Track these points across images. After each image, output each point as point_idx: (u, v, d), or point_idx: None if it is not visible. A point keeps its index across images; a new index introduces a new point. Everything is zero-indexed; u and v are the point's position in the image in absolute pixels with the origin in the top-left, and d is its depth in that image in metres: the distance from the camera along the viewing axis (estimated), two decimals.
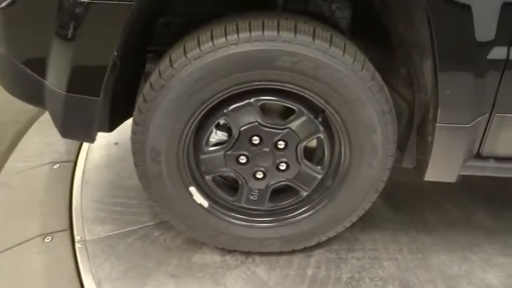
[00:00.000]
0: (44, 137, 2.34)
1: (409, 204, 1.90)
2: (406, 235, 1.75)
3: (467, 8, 1.15)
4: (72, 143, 2.26)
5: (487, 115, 1.32)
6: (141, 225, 1.78)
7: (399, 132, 1.46)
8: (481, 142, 1.40)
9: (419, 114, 1.43)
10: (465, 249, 1.69)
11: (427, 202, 1.93)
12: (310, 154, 1.47)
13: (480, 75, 1.23)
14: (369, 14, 1.53)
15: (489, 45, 1.19)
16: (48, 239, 1.70)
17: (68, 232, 1.74)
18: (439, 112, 1.29)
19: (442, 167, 1.43)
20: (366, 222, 1.73)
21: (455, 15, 1.17)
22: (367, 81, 1.28)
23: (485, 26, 1.17)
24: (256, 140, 1.38)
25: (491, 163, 1.45)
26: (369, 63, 1.30)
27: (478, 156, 1.45)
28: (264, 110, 1.36)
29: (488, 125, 1.35)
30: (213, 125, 1.38)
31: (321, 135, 1.39)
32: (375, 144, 1.36)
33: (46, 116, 2.47)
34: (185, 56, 1.27)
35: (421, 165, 1.46)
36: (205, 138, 1.40)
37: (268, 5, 1.50)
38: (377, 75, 1.31)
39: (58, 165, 2.13)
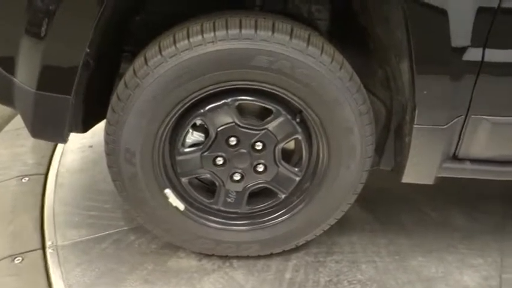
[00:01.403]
0: (10, 148, 2.18)
1: (386, 207, 1.90)
2: (384, 237, 1.75)
3: (443, 11, 1.15)
4: (42, 154, 2.11)
5: (463, 117, 1.33)
6: (116, 230, 1.73)
7: (377, 134, 1.47)
8: (457, 144, 1.40)
9: (396, 116, 1.44)
10: (442, 250, 1.69)
11: (405, 204, 1.93)
12: (288, 156, 1.46)
13: (456, 77, 1.23)
14: (348, 15, 1.53)
15: (464, 47, 1.20)
16: (18, 260, 1.57)
17: (40, 252, 1.62)
18: (416, 114, 1.29)
19: (419, 169, 1.43)
20: (344, 225, 1.72)
21: (432, 18, 1.17)
22: (345, 81, 1.27)
23: (460, 29, 1.17)
24: (233, 141, 1.36)
25: (468, 165, 1.45)
26: (347, 64, 1.30)
27: (455, 158, 1.45)
28: (242, 110, 1.35)
29: (464, 127, 1.35)
30: (189, 126, 1.35)
31: (299, 137, 1.38)
32: (353, 146, 1.35)
33: (12, 125, 2.38)
34: (160, 54, 1.25)
35: (399, 167, 1.46)
36: (182, 139, 1.37)
37: (246, 5, 1.49)
38: (355, 75, 1.31)
39: (27, 178, 1.96)
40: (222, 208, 1.47)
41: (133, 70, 1.28)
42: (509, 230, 1.83)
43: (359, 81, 1.32)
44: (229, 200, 1.45)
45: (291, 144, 1.46)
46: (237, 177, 1.42)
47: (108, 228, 1.73)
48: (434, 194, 1.96)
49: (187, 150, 1.39)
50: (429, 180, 1.47)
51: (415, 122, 1.31)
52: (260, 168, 1.40)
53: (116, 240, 1.68)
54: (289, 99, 1.29)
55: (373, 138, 1.38)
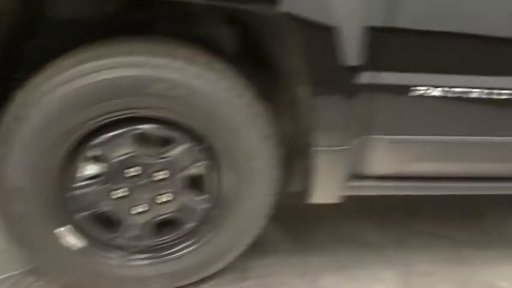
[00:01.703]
0: None
1: (298, 225, 1.92)
2: (299, 257, 1.75)
3: (334, 32, 1.17)
4: None
5: (363, 137, 1.37)
6: (11, 273, 1.57)
7: (283, 157, 1.47)
8: (360, 163, 1.44)
9: (302, 138, 1.45)
10: (353, 266, 1.72)
11: (316, 221, 1.96)
12: (194, 183, 1.41)
13: (352, 99, 1.27)
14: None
15: (358, 68, 1.23)
16: None
17: None
18: (317, 136, 1.31)
19: (326, 190, 1.45)
20: (259, 247, 1.70)
21: (324, 39, 1.19)
22: (246, 107, 1.26)
23: (352, 50, 1.20)
24: (133, 171, 1.29)
25: (372, 182, 1.50)
26: (248, 89, 1.29)
27: (360, 176, 1.49)
28: (142, 138, 1.28)
29: (365, 147, 1.39)
30: (84, 158, 1.26)
31: (204, 163, 1.34)
32: (258, 170, 1.34)
33: None
34: (49, 82, 1.16)
35: (307, 189, 1.47)
36: (76, 172, 1.28)
37: (144, 29, 1.43)
38: (257, 100, 1.30)
39: None
40: (126, 243, 1.38)
41: (20, 99, 1.17)
42: (414, 240, 1.92)
43: (261, 106, 1.31)
44: (132, 234, 1.37)
45: (198, 171, 1.41)
46: (140, 209, 1.34)
47: (2, 272, 1.56)
48: (346, 209, 2.02)
49: (83, 183, 1.29)
50: (335, 200, 1.50)
51: (317, 145, 1.33)
52: (164, 198, 1.34)
53: (12, 285, 1.52)
54: (189, 126, 1.25)
55: (278, 161, 1.38)
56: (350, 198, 1.54)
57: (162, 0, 1.30)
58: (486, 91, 1.34)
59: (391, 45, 1.24)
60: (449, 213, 2.16)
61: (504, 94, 1.35)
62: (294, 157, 1.51)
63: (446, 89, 1.32)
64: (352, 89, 1.25)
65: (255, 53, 1.49)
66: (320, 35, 1.17)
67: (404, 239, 1.93)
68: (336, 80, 1.24)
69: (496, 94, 1.35)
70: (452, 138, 1.41)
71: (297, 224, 1.93)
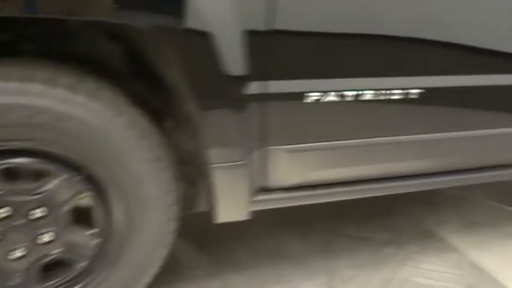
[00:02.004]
0: None
1: (216, 246, 1.82)
2: (218, 280, 1.65)
3: (211, 39, 1.08)
4: None
5: (261, 149, 1.29)
6: None
7: (188, 176, 1.37)
8: (263, 176, 1.37)
9: (200, 156, 1.35)
10: (275, 282, 1.65)
11: (235, 239, 1.87)
12: (82, 217, 1.27)
13: (243, 111, 1.19)
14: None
15: (245, 78, 1.15)
16: None
17: None
18: (212, 153, 1.22)
19: (230, 207, 1.36)
20: (175, 275, 1.58)
21: (201, 48, 1.09)
22: (126, 128, 1.14)
23: (235, 58, 1.12)
24: (4, 212, 1.13)
25: (280, 194, 1.43)
26: (129, 109, 1.17)
27: (265, 189, 1.42)
28: (10, 174, 1.13)
29: (266, 159, 1.32)
30: None
31: (89, 195, 1.20)
32: (150, 197, 1.22)
33: None
34: None
35: (212, 208, 1.38)
36: None
37: (18, 49, 1.28)
38: (140, 120, 1.19)
39: None
40: None
41: None
42: (336, 247, 1.88)
43: (147, 126, 1.20)
44: (15, 282, 1.20)
45: (85, 203, 1.27)
46: (18, 253, 1.18)
47: None
48: (265, 222, 1.95)
49: None
50: (243, 216, 1.42)
51: (212, 162, 1.24)
52: (46, 238, 1.19)
53: None
54: (62, 156, 1.12)
55: (173, 184, 1.27)
56: (268, 211, 1.47)
57: (26, 18, 1.16)
58: (380, 92, 1.32)
59: (277, 51, 1.17)
60: (369, 214, 2.16)
61: (396, 94, 1.34)
62: (197, 176, 1.41)
63: (340, 93, 1.28)
64: (241, 101, 1.17)
65: (142, 70, 1.38)
66: (196, 44, 1.08)
67: (327, 246, 1.89)
68: (222, 92, 1.15)
69: (389, 95, 1.33)
70: (351, 142, 1.38)
71: (215, 244, 1.83)
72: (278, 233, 1.94)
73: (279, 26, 1.14)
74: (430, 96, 1.39)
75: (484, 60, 1.44)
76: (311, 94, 1.24)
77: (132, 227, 1.24)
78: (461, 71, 1.43)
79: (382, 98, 1.33)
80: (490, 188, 2.50)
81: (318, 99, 1.26)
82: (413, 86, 1.36)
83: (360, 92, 1.30)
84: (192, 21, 1.05)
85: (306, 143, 1.33)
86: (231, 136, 1.21)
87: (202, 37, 1.06)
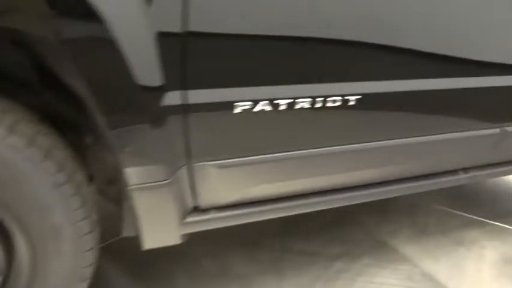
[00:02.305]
0: None
1: (155, 269, 1.67)
2: None
3: (115, 44, 0.92)
4: None
5: (185, 167, 1.16)
6: None
7: (115, 197, 1.22)
8: (193, 195, 1.24)
9: (119, 178, 1.20)
10: None
11: (177, 261, 1.73)
12: None
13: (161, 125, 1.05)
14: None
15: (160, 88, 1.02)
16: None
17: None
18: (128, 173, 1.08)
19: (158, 232, 1.22)
20: None
21: (104, 55, 0.94)
22: (20, 149, 0.98)
23: (147, 65, 0.97)
24: None
25: (214, 214, 1.30)
26: (28, 125, 1.01)
27: (197, 210, 1.29)
28: None
29: (192, 177, 1.19)
30: None
31: None
32: (57, 226, 1.06)
33: None
34: None
35: (138, 234, 1.23)
36: None
37: None
38: (44, 137, 1.03)
39: None
40: None
41: None
42: (284, 265, 1.76)
43: (53, 144, 1.04)
44: None
45: None
46: None
47: None
48: (210, 240, 1.81)
49: None
50: (175, 240, 1.28)
51: (130, 183, 1.09)
52: None
53: None
54: None
55: (86, 211, 1.11)
56: (211, 230, 1.33)
57: None
58: (316, 99, 1.21)
59: (197, 56, 1.04)
60: (318, 226, 2.06)
61: (337, 101, 1.24)
62: (121, 198, 1.26)
63: (273, 101, 1.16)
64: (158, 114, 1.03)
65: (51, 81, 1.22)
66: (98, 51, 0.94)
67: (275, 264, 1.77)
68: (134, 104, 1.00)
69: (327, 102, 1.23)
70: (289, 154, 1.26)
71: (151, 269, 1.68)
72: (223, 253, 1.81)
73: (195, 27, 1.01)
74: (370, 103, 1.30)
75: (425, 64, 1.37)
76: (239, 104, 1.12)
77: (39, 262, 1.07)
78: (402, 75, 1.35)
79: (319, 105, 1.23)
80: (441, 193, 2.48)
81: (247, 109, 1.14)
82: (353, 92, 1.27)
83: (295, 100, 1.19)
84: (90, 25, 0.90)
85: (238, 158, 1.21)
86: (150, 153, 1.07)
87: (104, 43, 0.92)
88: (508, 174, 1.92)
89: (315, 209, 1.46)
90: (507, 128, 1.67)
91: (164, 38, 0.98)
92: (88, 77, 0.95)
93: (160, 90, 1.02)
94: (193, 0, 0.97)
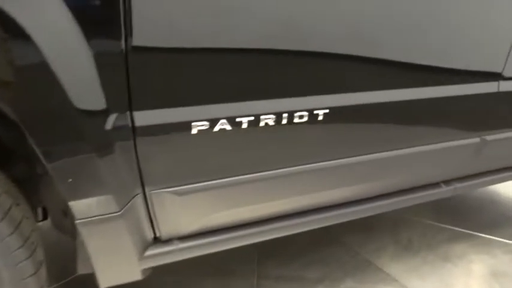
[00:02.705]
0: None
1: None
2: None
3: (44, 67, 0.81)
4: None
5: (139, 195, 1.06)
6: None
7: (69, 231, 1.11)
8: (151, 225, 1.14)
9: (67, 211, 1.10)
10: None
11: None
12: None
13: (104, 153, 0.94)
14: None
15: (99, 112, 0.91)
16: None
17: None
18: (72, 207, 0.97)
19: (114, 268, 1.11)
20: None
21: (34, 79, 0.83)
22: None
23: (84, 88, 0.87)
24: None
25: (178, 244, 1.20)
26: None
27: (158, 241, 1.18)
28: None
29: (149, 206, 1.09)
30: None
31: None
32: None
33: None
34: None
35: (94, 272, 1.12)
36: None
37: None
38: None
39: None
40: None
41: None
42: None
43: None
44: None
45: None
46: None
47: None
48: (182, 270, 1.70)
49: None
50: (136, 276, 1.17)
51: (76, 217, 0.98)
52: None
53: None
54: None
55: (29, 250, 1.00)
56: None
57: None
58: (281, 116, 1.12)
59: (143, 73, 0.93)
60: (299, 247, 1.95)
61: (304, 116, 1.15)
62: (74, 233, 1.15)
63: (234, 119, 1.07)
64: (101, 139, 0.93)
65: None
66: (24, 70, 0.83)
67: None
68: (72, 130, 0.89)
69: (293, 118, 1.14)
70: (255, 176, 1.17)
71: None
72: (196, 282, 1.69)
73: (138, 42, 0.91)
74: (340, 116, 1.22)
75: (397, 74, 1.30)
76: (196, 124, 1.03)
77: None
78: (374, 86, 1.27)
79: (284, 122, 1.14)
80: (425, 206, 2.40)
81: (205, 130, 1.04)
82: (320, 106, 1.18)
83: (258, 117, 1.10)
84: (17, 47, 0.80)
85: (198, 183, 1.10)
86: (95, 184, 0.96)
87: (33, 64, 0.82)
88: (492, 184, 1.85)
89: (290, 233, 1.37)
90: (486, 137, 1.60)
91: (103, 56, 0.88)
92: (15, 103, 0.85)
93: (102, 113, 0.91)
94: (135, 13, 0.88)
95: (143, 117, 0.96)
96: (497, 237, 2.14)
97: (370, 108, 1.26)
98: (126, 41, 0.89)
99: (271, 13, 1.04)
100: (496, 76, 1.49)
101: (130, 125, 0.96)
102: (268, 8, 1.03)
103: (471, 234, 2.16)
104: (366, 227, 2.15)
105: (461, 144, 1.54)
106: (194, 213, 1.16)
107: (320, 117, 1.18)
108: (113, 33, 0.88)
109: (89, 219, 0.99)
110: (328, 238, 2.04)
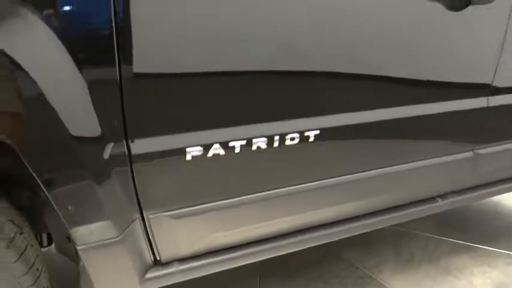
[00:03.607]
0: None
1: None
2: None
3: (39, 95, 0.85)
4: None
5: (138, 220, 1.10)
6: None
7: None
8: (151, 249, 1.17)
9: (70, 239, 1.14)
10: None
11: None
12: None
13: (102, 179, 0.99)
14: None
15: (96, 140, 0.96)
16: None
17: None
18: (72, 233, 1.01)
19: None
20: None
21: (29, 108, 0.87)
22: None
23: (79, 113, 0.91)
24: None
25: (178, 266, 1.23)
26: None
27: (158, 264, 1.22)
28: None
29: (148, 230, 1.13)
30: None
31: None
32: None
33: None
34: None
35: None
36: None
37: None
38: None
39: None
40: None
41: None
42: None
43: None
44: None
45: None
46: None
47: None
48: None
49: None
50: None
51: (77, 244, 1.03)
52: None
53: None
54: None
55: (35, 283, 1.04)
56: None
57: None
58: (273, 138, 1.16)
59: (138, 102, 0.98)
60: (300, 262, 1.97)
61: (295, 138, 1.19)
62: (75, 259, 1.19)
63: (227, 144, 1.11)
64: (98, 167, 0.97)
65: None
66: (20, 105, 0.87)
67: None
68: (69, 159, 0.94)
69: (285, 140, 1.18)
70: (251, 197, 1.20)
71: None
72: None
73: (132, 71, 0.94)
74: (331, 137, 1.26)
75: (385, 93, 1.34)
76: (190, 150, 1.07)
77: None
78: (363, 106, 1.31)
79: (277, 145, 1.18)
80: (426, 218, 2.40)
81: (200, 155, 1.08)
82: (311, 127, 1.22)
83: (250, 141, 1.14)
84: (10, 76, 0.85)
85: (195, 206, 1.14)
86: (94, 210, 1.00)
87: (29, 93, 0.86)
88: (488, 197, 1.87)
89: (289, 251, 1.39)
90: (479, 151, 1.63)
91: (98, 84, 0.92)
92: (15, 133, 0.90)
93: (98, 142, 0.96)
94: (127, 44, 0.93)
95: (139, 146, 1.01)
96: (500, 248, 2.15)
97: (363, 128, 1.30)
98: (119, 71, 0.93)
99: (260, 39, 1.09)
100: (485, 91, 1.53)
101: (126, 152, 1.00)
102: (257, 34, 1.07)
103: (472, 246, 2.17)
104: (366, 242, 2.16)
105: (454, 159, 1.57)
106: (192, 235, 1.20)
107: (311, 138, 1.22)
108: (106, 63, 0.92)
109: (90, 245, 1.03)
110: (329, 254, 2.06)
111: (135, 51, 0.94)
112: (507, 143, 1.69)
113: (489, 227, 2.39)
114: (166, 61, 0.99)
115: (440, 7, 1.30)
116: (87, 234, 1.02)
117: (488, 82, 1.52)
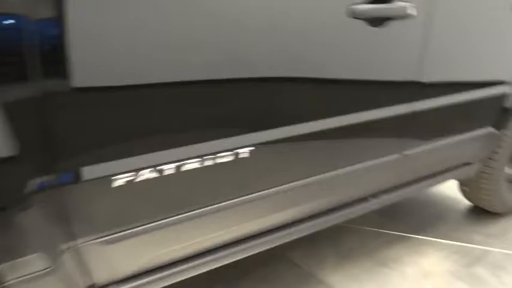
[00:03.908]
0: None
1: None
2: None
3: None
4: None
5: (70, 249, 1.09)
6: None
7: None
8: (85, 275, 1.16)
9: None
10: None
11: None
12: None
13: (29, 210, 0.96)
14: None
15: (18, 171, 0.93)
16: None
17: None
18: (3, 268, 0.98)
19: None
20: None
21: None
22: None
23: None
24: None
25: None
26: None
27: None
28: None
29: (80, 257, 1.12)
30: None
31: None
32: None
33: None
34: None
35: None
36: None
37: None
38: None
39: None
40: None
41: None
42: None
43: None
44: None
45: None
46: None
47: None
48: None
49: None
50: None
51: (5, 279, 1.00)
52: None
53: None
54: None
55: None
56: None
57: None
58: (204, 158, 1.18)
59: (64, 132, 0.97)
60: (243, 265, 2.02)
61: (228, 156, 1.21)
62: None
63: (157, 167, 1.12)
64: (26, 199, 0.95)
65: None
66: None
67: None
68: None
69: (218, 158, 1.21)
70: (186, 216, 1.23)
71: None
72: None
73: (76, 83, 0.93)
74: (265, 152, 1.30)
75: (311, 106, 1.38)
76: (118, 177, 1.07)
77: None
78: (293, 120, 1.34)
79: (209, 163, 1.20)
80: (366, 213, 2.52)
81: (129, 180, 1.09)
82: (244, 144, 1.25)
83: (181, 163, 1.15)
84: None
85: (127, 230, 1.15)
86: (20, 243, 0.99)
87: None
88: (416, 193, 1.99)
89: (227, 262, 1.43)
90: (406, 152, 1.73)
91: (13, 109, 0.88)
92: None
93: (21, 172, 0.94)
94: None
95: (67, 176, 0.99)
96: (430, 237, 2.29)
97: (297, 139, 1.34)
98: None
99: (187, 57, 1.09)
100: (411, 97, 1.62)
101: (55, 183, 0.98)
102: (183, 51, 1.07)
103: (405, 236, 2.30)
104: (308, 240, 2.24)
105: (385, 161, 1.66)
106: (126, 258, 1.20)
107: (245, 155, 1.25)
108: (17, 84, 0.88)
109: (18, 279, 1.01)
110: (275, 255, 2.11)
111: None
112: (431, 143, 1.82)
113: (421, 216, 2.54)
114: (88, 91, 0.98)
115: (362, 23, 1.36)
116: (14, 268, 1.00)
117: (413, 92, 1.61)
